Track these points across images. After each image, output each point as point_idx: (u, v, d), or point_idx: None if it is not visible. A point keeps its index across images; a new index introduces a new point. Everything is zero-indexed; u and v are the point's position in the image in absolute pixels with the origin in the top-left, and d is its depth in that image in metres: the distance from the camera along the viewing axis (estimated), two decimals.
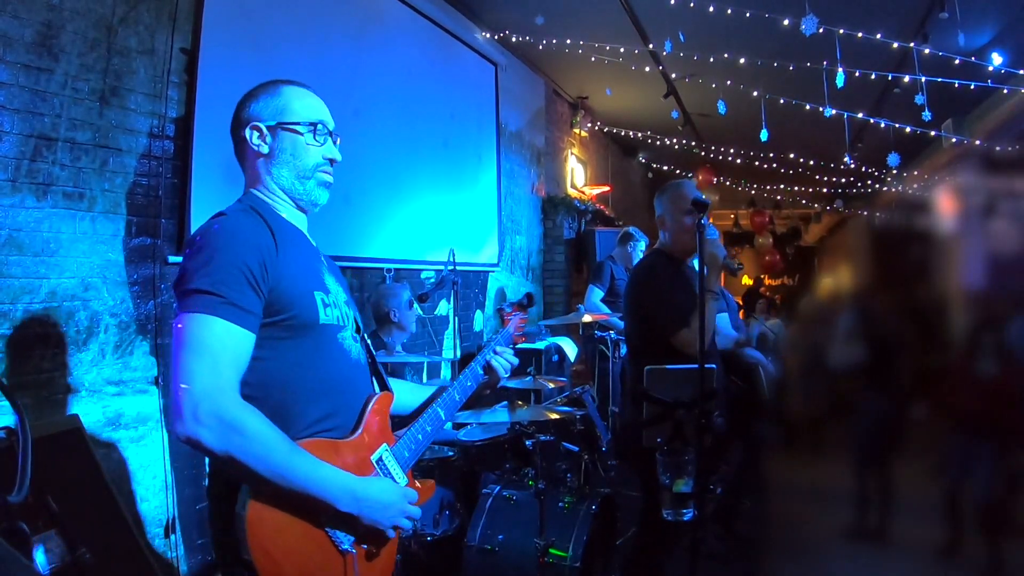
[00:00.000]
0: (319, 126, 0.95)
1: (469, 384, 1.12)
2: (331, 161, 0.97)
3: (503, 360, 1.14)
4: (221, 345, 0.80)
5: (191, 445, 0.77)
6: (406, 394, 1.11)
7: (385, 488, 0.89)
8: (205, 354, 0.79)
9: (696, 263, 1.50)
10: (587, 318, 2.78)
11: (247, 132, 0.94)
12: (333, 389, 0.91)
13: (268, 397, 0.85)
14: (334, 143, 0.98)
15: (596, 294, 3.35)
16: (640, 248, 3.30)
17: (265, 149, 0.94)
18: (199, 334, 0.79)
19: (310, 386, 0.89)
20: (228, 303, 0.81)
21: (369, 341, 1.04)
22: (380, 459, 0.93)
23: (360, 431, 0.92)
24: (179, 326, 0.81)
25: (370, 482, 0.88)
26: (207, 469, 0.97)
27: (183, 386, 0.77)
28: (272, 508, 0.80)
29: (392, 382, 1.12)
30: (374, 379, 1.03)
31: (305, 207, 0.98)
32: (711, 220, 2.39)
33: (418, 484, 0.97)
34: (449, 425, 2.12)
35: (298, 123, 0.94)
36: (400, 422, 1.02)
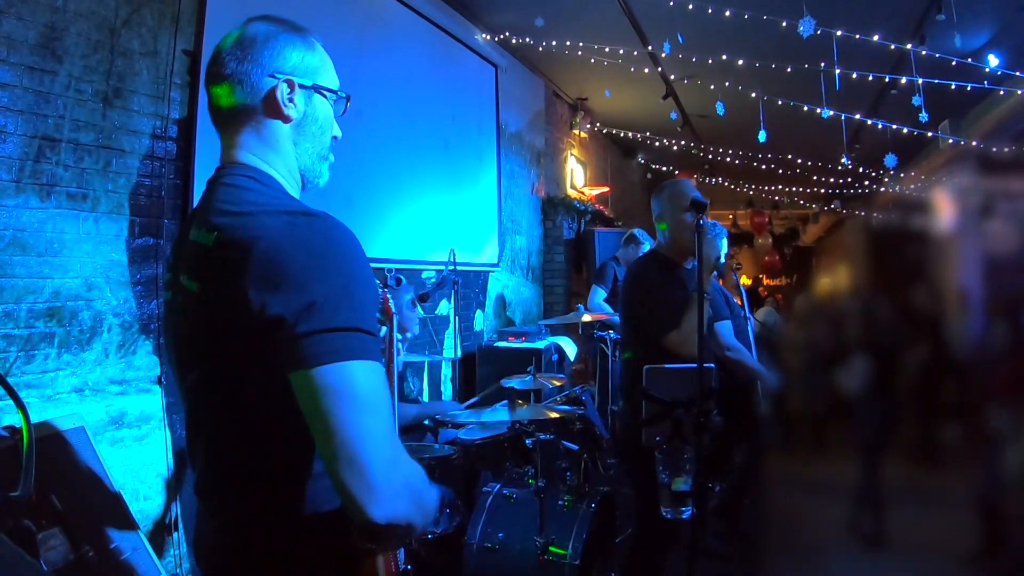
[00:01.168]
0: (348, 100, 0.78)
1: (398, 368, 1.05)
2: (334, 139, 0.81)
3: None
4: (386, 396, 0.64)
5: (390, 525, 0.61)
6: None
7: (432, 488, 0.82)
8: (380, 412, 0.62)
9: (694, 263, 1.52)
10: (587, 317, 2.79)
11: (280, 86, 0.70)
12: None
13: None
14: None
15: (599, 294, 3.37)
16: (644, 251, 3.32)
17: (296, 114, 0.72)
18: (367, 387, 0.61)
19: None
20: (379, 343, 0.66)
21: None
22: None
23: None
24: (332, 380, 0.60)
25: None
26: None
27: (372, 458, 0.59)
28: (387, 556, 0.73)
29: None
30: None
31: (310, 187, 0.80)
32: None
33: None
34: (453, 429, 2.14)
35: (334, 91, 0.76)
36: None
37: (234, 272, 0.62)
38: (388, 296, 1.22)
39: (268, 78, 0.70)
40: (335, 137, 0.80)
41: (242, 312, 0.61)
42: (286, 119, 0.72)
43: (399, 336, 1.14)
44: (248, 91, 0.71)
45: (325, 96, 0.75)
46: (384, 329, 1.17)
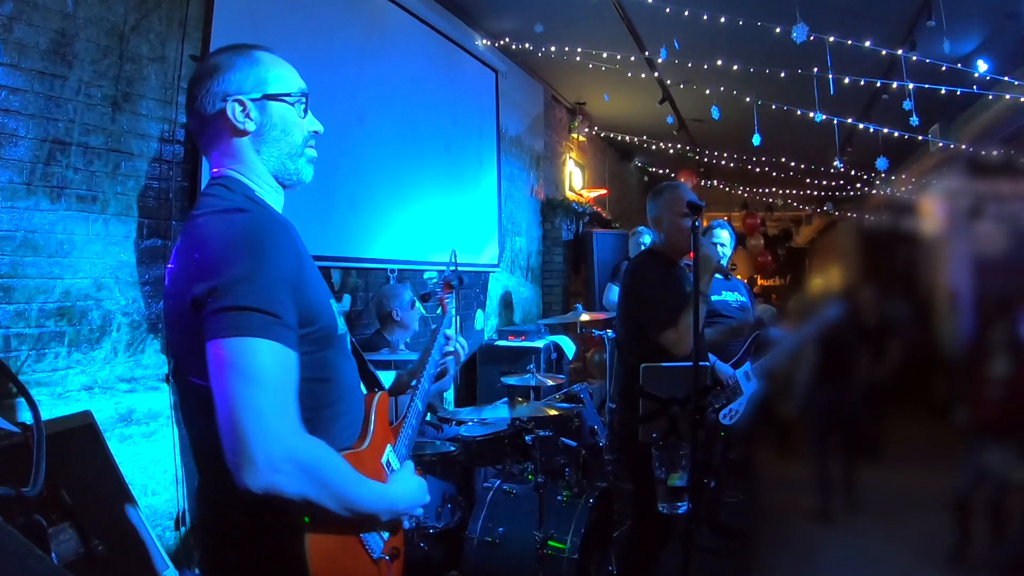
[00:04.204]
0: (306, 97, 0.84)
1: (433, 372, 1.10)
2: (315, 133, 0.86)
3: (459, 347, 1.13)
4: (282, 374, 0.68)
5: (267, 495, 0.66)
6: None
7: (407, 484, 0.87)
8: (268, 386, 0.66)
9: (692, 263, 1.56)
10: (585, 317, 2.83)
11: (229, 107, 0.79)
12: (348, 400, 0.86)
13: (303, 416, 0.73)
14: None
15: (614, 291, 3.42)
16: (642, 241, 3.34)
17: (251, 126, 0.80)
18: (257, 362, 0.66)
19: (333, 401, 0.82)
20: (282, 324, 0.69)
21: (352, 338, 0.96)
22: (387, 461, 0.91)
23: (370, 438, 0.88)
24: (226, 352, 0.66)
25: (395, 484, 0.85)
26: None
27: (247, 428, 0.64)
28: (327, 536, 0.75)
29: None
30: (361, 376, 0.97)
31: (291, 186, 0.86)
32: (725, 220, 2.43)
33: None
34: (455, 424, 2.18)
35: (288, 94, 0.82)
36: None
37: (183, 263, 0.74)
38: (445, 298, 1.27)
39: (220, 103, 0.80)
40: (315, 132, 0.86)
41: (186, 296, 0.71)
42: (243, 133, 0.81)
43: (450, 334, 1.17)
44: (208, 118, 0.81)
45: (282, 101, 0.82)
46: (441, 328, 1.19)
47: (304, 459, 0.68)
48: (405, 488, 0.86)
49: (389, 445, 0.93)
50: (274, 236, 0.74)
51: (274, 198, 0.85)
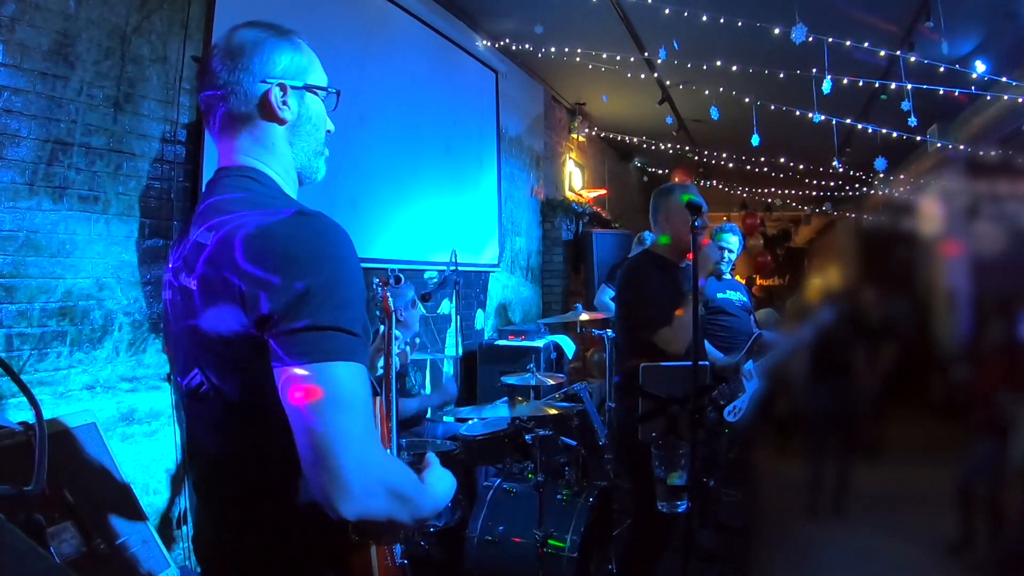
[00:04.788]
0: (339, 95, 0.80)
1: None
2: (328, 132, 0.83)
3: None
4: (367, 395, 0.65)
5: (363, 523, 0.64)
6: None
7: (444, 479, 0.81)
8: (357, 411, 0.63)
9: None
10: (584, 316, 2.84)
11: (273, 90, 0.72)
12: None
13: None
14: None
15: (607, 293, 3.43)
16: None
17: (290, 115, 0.74)
18: (347, 388, 0.62)
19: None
20: (363, 343, 0.65)
21: None
22: None
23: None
24: (313, 378, 0.61)
25: (436, 482, 0.79)
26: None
27: (341, 454, 0.61)
28: (371, 547, 0.73)
29: None
30: None
31: (307, 183, 0.81)
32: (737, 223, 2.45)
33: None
34: (451, 419, 2.19)
35: (325, 88, 0.78)
36: None
37: (230, 270, 0.63)
38: (388, 294, 1.26)
39: (260, 83, 0.72)
40: (328, 131, 0.81)
41: (236, 309, 0.63)
42: (281, 121, 0.74)
43: (398, 333, 1.15)
44: (243, 99, 0.72)
45: (316, 94, 0.77)
46: (383, 327, 1.18)
47: (392, 481, 0.66)
48: (443, 484, 0.81)
49: (388, 449, 0.93)
50: (349, 244, 0.67)
51: (294, 195, 0.78)
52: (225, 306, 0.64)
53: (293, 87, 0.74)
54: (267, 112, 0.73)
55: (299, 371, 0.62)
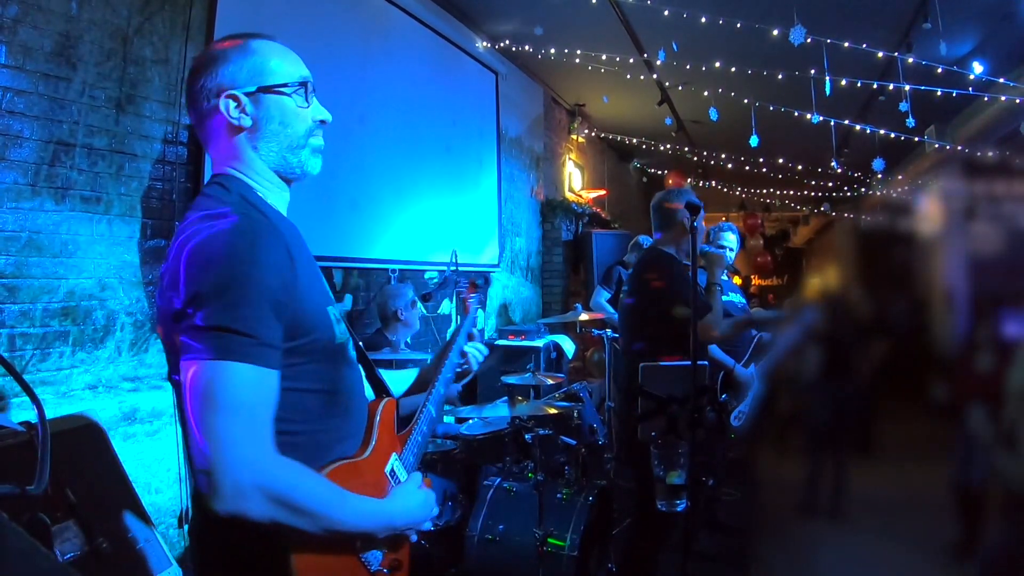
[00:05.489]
0: (308, 85, 0.79)
1: (450, 376, 1.05)
2: (322, 123, 0.81)
3: (475, 351, 1.10)
4: (257, 398, 0.65)
5: (233, 518, 0.65)
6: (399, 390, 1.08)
7: (409, 503, 0.83)
8: (239, 412, 0.64)
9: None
10: (584, 316, 2.86)
11: (222, 103, 0.75)
12: (347, 408, 0.82)
13: (293, 428, 0.73)
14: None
15: (602, 295, 3.45)
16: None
17: (247, 121, 0.76)
18: (229, 387, 0.64)
19: (330, 411, 0.78)
20: (260, 344, 0.66)
21: (360, 343, 0.92)
22: (392, 470, 0.87)
23: (372, 446, 0.84)
24: (198, 375, 0.64)
25: (395, 499, 0.82)
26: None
27: (217, 455, 0.63)
28: (314, 553, 0.72)
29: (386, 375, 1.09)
30: (368, 382, 0.94)
31: (296, 179, 0.81)
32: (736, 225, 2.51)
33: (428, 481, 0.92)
34: (452, 419, 2.20)
35: (285, 84, 0.77)
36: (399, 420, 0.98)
37: (170, 271, 0.70)
38: (469, 298, 1.25)
39: (213, 99, 0.76)
40: (322, 121, 0.81)
41: (169, 306, 0.69)
42: (239, 130, 0.77)
43: (476, 350, 1.12)
44: (203, 115, 0.78)
45: (279, 92, 0.77)
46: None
47: (273, 487, 0.66)
48: (406, 503, 0.82)
49: (395, 454, 0.88)
50: (257, 247, 0.69)
51: (277, 195, 0.80)
52: (167, 300, 0.70)
53: (247, 93, 0.76)
54: (225, 123, 0.77)
55: (188, 367, 0.65)
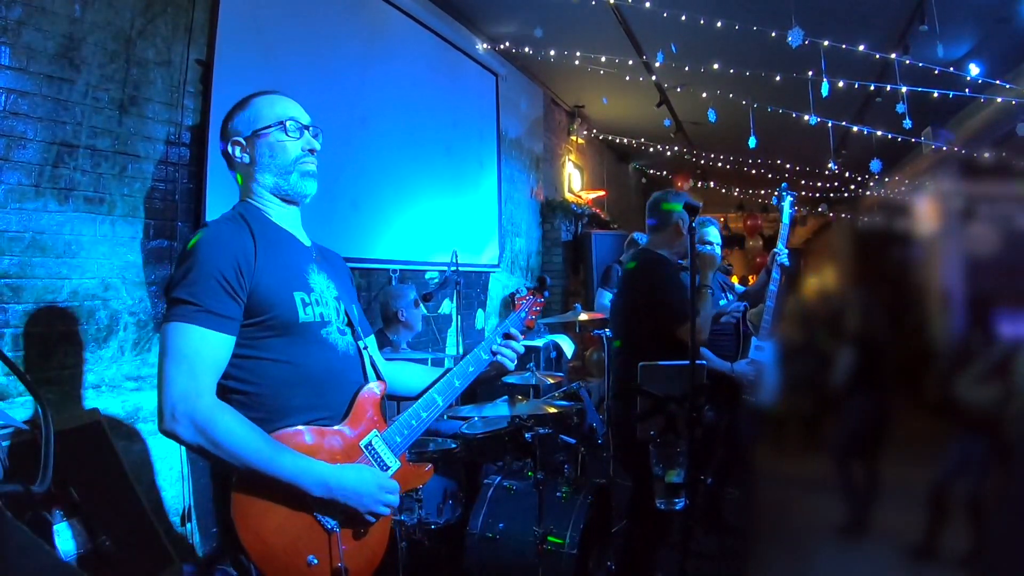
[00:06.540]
0: (288, 122, 1.01)
1: (471, 370, 1.11)
2: (311, 151, 1.03)
3: (509, 350, 1.15)
4: (197, 351, 0.87)
5: (170, 438, 0.88)
6: (416, 377, 1.16)
7: (361, 477, 0.93)
8: (183, 360, 0.87)
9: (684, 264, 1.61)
10: (584, 316, 2.87)
11: (230, 148, 1.03)
12: (318, 380, 0.96)
13: (253, 390, 0.92)
14: (313, 136, 1.03)
15: (605, 296, 3.47)
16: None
17: (248, 159, 1.02)
18: (178, 341, 0.87)
19: (293, 379, 0.94)
20: (204, 311, 0.88)
21: (360, 332, 1.06)
22: (369, 444, 0.96)
23: (348, 419, 0.97)
24: (161, 334, 0.90)
25: (344, 471, 0.92)
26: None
27: (163, 389, 0.87)
28: (255, 493, 0.88)
29: (404, 366, 1.18)
30: (368, 370, 1.04)
31: (294, 200, 1.04)
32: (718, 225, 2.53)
33: (411, 467, 1.01)
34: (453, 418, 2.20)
35: (268, 126, 1.01)
36: (408, 405, 1.06)
37: None
38: (526, 298, 1.27)
39: (225, 148, 1.04)
40: (310, 150, 1.03)
41: None
42: (244, 165, 1.03)
43: (515, 353, 1.17)
44: (228, 162, 1.06)
45: (265, 133, 1.01)
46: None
47: (199, 418, 0.86)
48: (354, 477, 0.93)
49: (375, 431, 0.99)
50: (214, 241, 0.93)
51: (280, 212, 1.03)
52: None
53: (246, 138, 1.03)
54: (233, 164, 1.05)
55: (161, 326, 0.93)
